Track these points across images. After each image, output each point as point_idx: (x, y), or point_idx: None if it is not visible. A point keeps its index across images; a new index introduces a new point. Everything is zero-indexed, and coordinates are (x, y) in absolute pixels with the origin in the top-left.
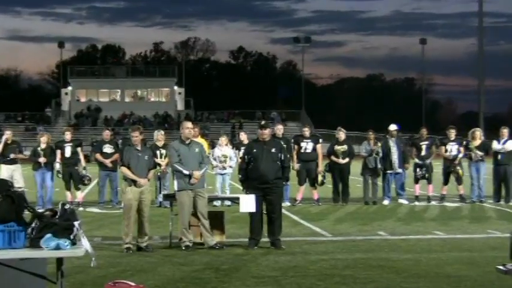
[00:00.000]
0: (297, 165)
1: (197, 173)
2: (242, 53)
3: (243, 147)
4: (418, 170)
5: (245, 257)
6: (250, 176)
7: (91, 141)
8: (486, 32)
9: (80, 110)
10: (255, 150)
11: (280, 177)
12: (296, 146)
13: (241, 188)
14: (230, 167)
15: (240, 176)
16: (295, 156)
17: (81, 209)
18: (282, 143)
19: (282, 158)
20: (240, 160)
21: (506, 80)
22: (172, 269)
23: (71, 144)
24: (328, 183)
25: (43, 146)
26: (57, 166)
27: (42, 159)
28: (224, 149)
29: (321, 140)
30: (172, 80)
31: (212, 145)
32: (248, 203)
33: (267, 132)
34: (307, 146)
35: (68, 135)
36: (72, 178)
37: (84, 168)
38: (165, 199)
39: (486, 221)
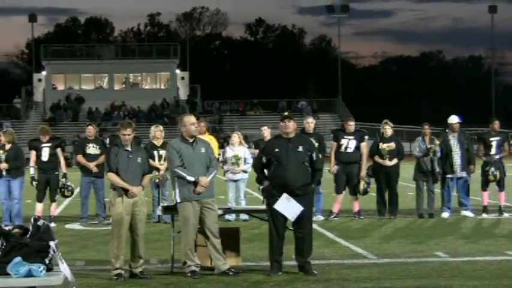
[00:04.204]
0: (334, 168)
1: (204, 179)
2: (262, 26)
3: None
4: (488, 169)
5: (266, 285)
6: (273, 183)
7: (71, 140)
8: None
9: (57, 100)
10: (277, 150)
11: (309, 183)
12: (335, 144)
13: (260, 196)
14: (244, 171)
15: (257, 178)
16: (333, 157)
17: (53, 225)
18: (313, 140)
19: (314, 158)
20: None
21: None
22: None
23: (49, 144)
24: (371, 190)
25: (6, 147)
26: (32, 171)
27: (2, 166)
28: (237, 149)
29: (366, 137)
30: (173, 61)
31: (223, 144)
32: (290, 206)
33: (290, 125)
34: (349, 144)
35: (45, 136)
36: (50, 187)
37: (65, 176)
38: (164, 212)
39: None
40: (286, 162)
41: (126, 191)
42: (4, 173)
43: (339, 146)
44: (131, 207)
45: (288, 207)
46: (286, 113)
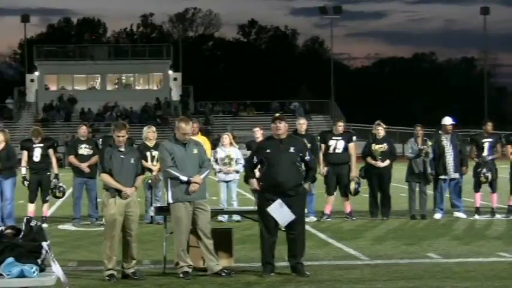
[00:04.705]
0: (324, 170)
1: (197, 177)
2: (254, 27)
3: None
4: (481, 170)
5: (258, 285)
6: (263, 183)
7: (64, 141)
8: None
9: (50, 101)
10: (268, 151)
11: (301, 183)
12: (323, 145)
13: (252, 197)
14: (236, 172)
15: (245, 177)
16: (322, 158)
17: (45, 225)
18: (306, 141)
19: (307, 158)
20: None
21: None
22: None
23: (41, 145)
24: (364, 192)
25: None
26: (23, 171)
27: None
28: (228, 149)
29: (354, 138)
30: (166, 62)
31: (216, 145)
32: (283, 212)
33: (282, 126)
34: (337, 145)
35: (37, 137)
36: (41, 187)
37: (56, 177)
38: (157, 213)
39: None
40: (277, 163)
41: (119, 192)
42: None
43: (327, 147)
44: (124, 208)
45: (281, 213)
46: (277, 114)
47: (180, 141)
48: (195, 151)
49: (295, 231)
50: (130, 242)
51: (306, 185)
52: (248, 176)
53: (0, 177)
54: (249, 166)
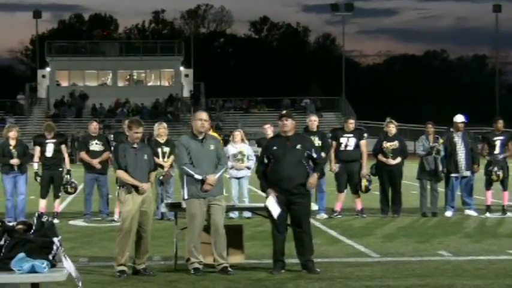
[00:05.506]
0: (335, 167)
1: (212, 177)
2: (266, 24)
3: None
4: (491, 168)
5: (269, 282)
6: (270, 180)
7: (75, 137)
8: None
9: (61, 96)
10: (275, 148)
11: (306, 182)
12: (334, 143)
13: (263, 194)
14: (248, 168)
15: (261, 186)
16: (333, 156)
17: (56, 221)
18: (317, 138)
19: (314, 155)
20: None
21: None
22: None
23: (54, 141)
24: (374, 189)
25: (13, 142)
26: (36, 166)
27: (15, 161)
28: (239, 146)
29: (365, 135)
30: (177, 58)
31: (226, 141)
32: (274, 204)
33: (288, 123)
34: (348, 142)
35: (50, 132)
36: (53, 183)
37: (69, 173)
38: (169, 210)
39: None
40: (283, 160)
41: (136, 188)
42: (16, 168)
43: (339, 144)
44: (140, 204)
45: (274, 205)
46: (284, 111)
47: (197, 136)
48: (212, 147)
49: (300, 228)
50: (144, 238)
51: (313, 177)
52: (263, 187)
53: (16, 173)
54: (262, 169)
